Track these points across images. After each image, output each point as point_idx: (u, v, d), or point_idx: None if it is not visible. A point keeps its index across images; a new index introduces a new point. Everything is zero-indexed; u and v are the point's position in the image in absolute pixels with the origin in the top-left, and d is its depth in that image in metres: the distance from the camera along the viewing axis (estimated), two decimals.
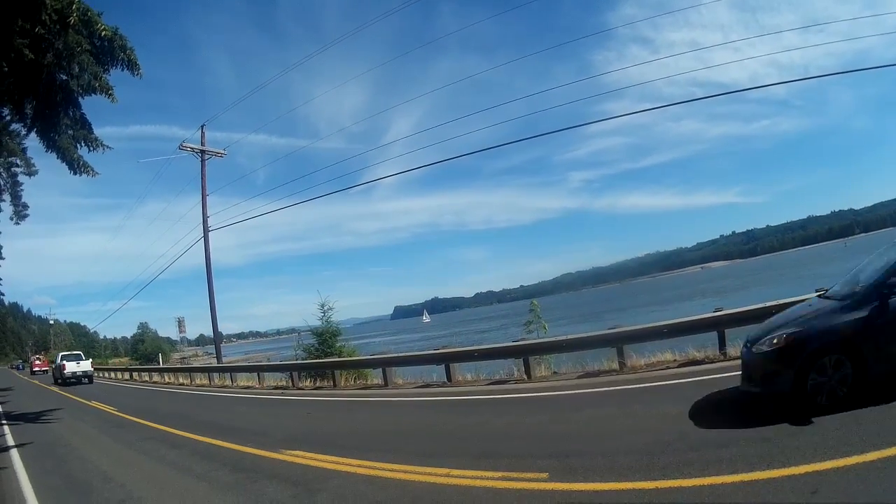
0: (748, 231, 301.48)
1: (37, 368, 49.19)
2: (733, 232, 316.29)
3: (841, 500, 3.27)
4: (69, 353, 35.38)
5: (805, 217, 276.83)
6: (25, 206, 15.08)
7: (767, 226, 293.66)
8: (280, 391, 16.84)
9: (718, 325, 9.81)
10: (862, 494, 3.30)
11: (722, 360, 9.21)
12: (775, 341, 5.31)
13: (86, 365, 31.96)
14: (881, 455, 3.76)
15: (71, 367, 30.91)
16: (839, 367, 5.04)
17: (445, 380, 12.69)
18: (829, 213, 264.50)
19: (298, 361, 18.81)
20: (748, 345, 5.85)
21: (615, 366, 10.21)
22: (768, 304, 9.55)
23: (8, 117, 11.84)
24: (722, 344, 9.69)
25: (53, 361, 37.70)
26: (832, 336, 5.14)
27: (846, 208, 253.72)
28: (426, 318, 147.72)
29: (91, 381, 31.18)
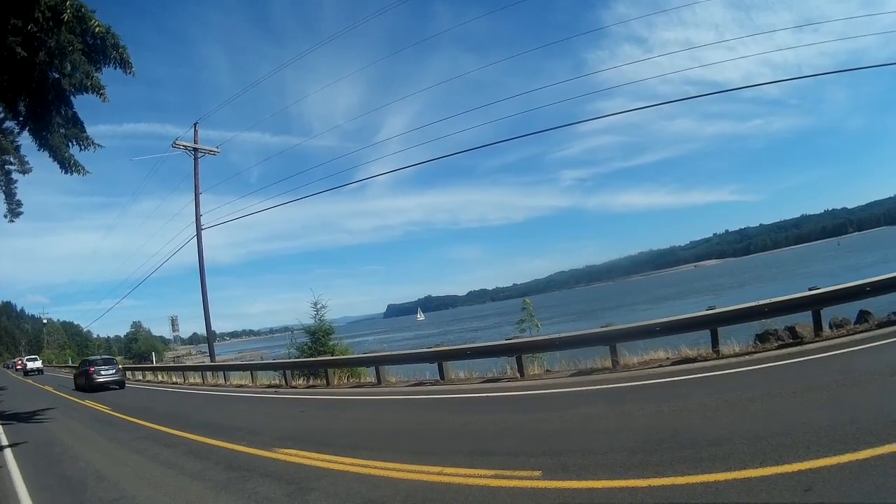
0: (742, 229, 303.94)
1: (19, 367, 66.22)
2: (727, 230, 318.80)
3: (834, 498, 3.29)
4: (30, 356, 60.06)
5: (799, 216, 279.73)
6: (19, 204, 14.87)
7: (761, 224, 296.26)
8: (273, 390, 16.82)
9: (711, 324, 9.87)
10: (855, 492, 3.33)
11: (715, 359, 9.26)
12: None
13: (38, 363, 53.13)
14: (874, 453, 3.79)
15: (30, 364, 51.71)
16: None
17: (439, 378, 12.71)
18: (822, 211, 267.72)
19: (292, 360, 18.78)
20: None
21: (608, 364, 10.25)
22: (761, 302, 9.63)
23: (1, 115, 11.73)
24: (715, 342, 9.74)
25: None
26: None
27: (840, 207, 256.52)
28: (420, 316, 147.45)
29: (42, 373, 49.06)
